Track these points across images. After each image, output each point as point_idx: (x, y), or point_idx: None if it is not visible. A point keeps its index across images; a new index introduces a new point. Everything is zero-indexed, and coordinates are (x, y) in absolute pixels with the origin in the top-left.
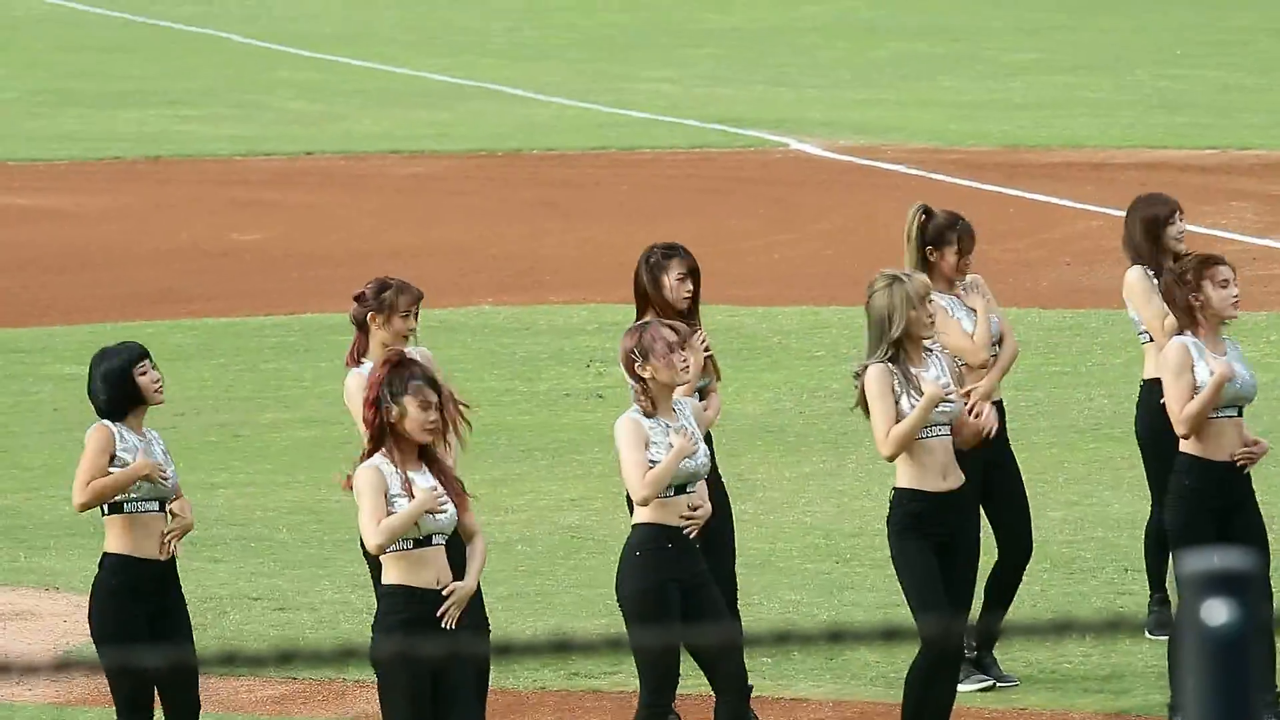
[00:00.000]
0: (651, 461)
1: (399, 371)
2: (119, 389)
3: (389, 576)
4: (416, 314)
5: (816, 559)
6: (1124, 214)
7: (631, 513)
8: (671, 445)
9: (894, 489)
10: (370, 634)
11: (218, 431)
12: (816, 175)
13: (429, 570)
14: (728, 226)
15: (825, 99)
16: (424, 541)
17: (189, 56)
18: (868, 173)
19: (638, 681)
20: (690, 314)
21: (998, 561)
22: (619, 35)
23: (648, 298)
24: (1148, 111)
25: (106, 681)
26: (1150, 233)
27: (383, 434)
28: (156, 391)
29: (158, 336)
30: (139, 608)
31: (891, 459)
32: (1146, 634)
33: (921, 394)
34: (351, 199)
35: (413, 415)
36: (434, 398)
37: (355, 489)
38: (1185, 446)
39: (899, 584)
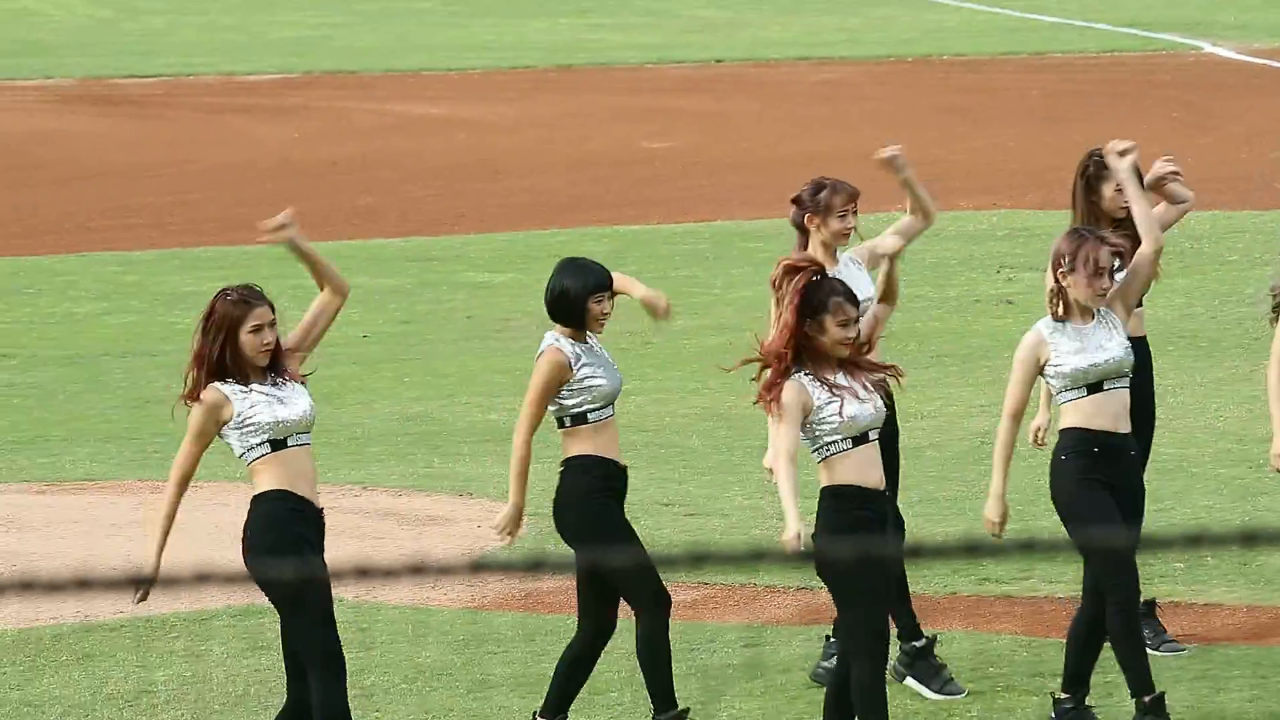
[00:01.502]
0: (1055, 369)
1: (818, 287)
2: (571, 311)
3: (830, 478)
4: (854, 211)
5: (1229, 464)
6: None
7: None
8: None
9: None
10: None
11: (628, 339)
12: (1230, 78)
13: (875, 470)
14: (1140, 131)
15: (1238, 1)
16: (861, 439)
17: None
18: None
19: (1083, 579)
20: (1125, 223)
21: None
22: None
23: (1084, 204)
24: None
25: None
26: None
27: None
28: (600, 322)
29: (570, 244)
30: (615, 504)
31: None
32: None
33: None
34: (761, 106)
35: (831, 333)
36: (854, 313)
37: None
38: None
39: None
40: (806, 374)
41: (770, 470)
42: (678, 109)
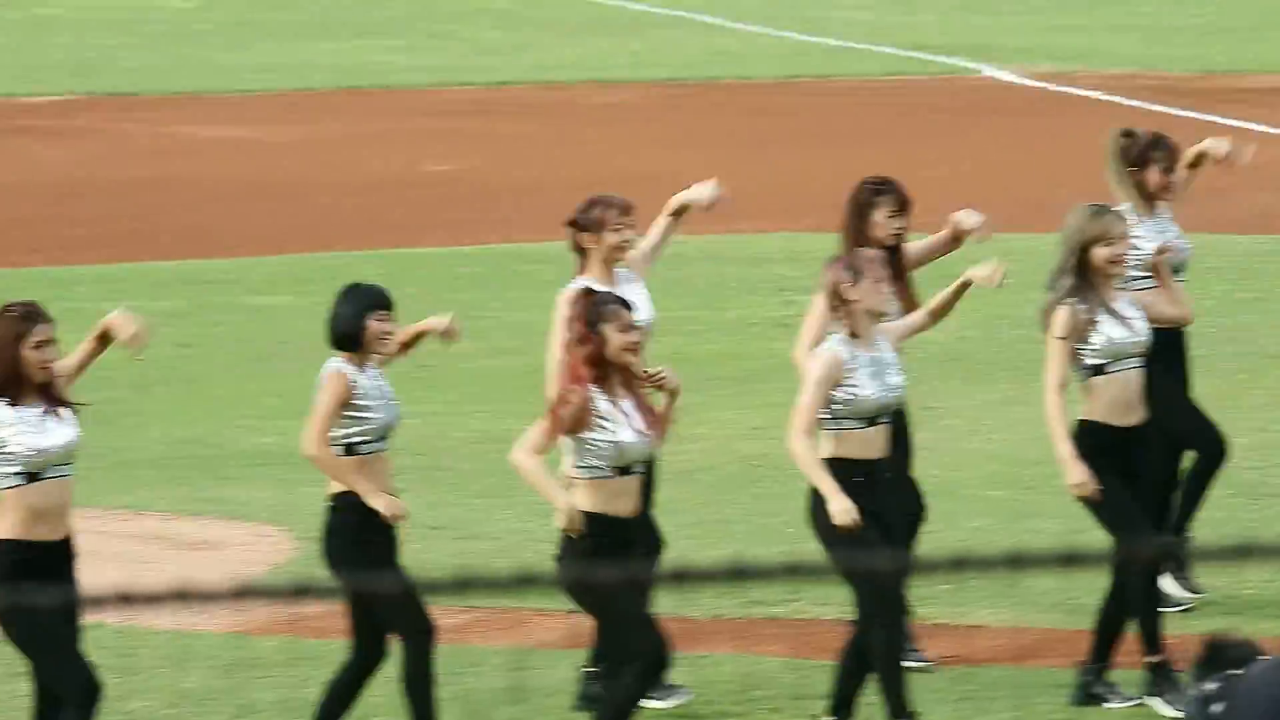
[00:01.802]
0: (849, 393)
1: (588, 302)
2: (349, 330)
3: (585, 503)
4: (630, 225)
5: (999, 486)
6: None
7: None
8: (867, 376)
9: (1079, 420)
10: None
11: (405, 363)
12: (1011, 102)
13: (627, 499)
14: (921, 155)
15: (1021, 25)
16: (625, 470)
17: None
18: (1062, 99)
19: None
20: (894, 251)
21: (1195, 465)
22: None
23: (854, 231)
24: None
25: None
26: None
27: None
28: (382, 341)
29: (349, 267)
30: (379, 540)
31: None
32: None
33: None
34: (545, 129)
35: (614, 340)
36: (631, 318)
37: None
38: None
39: (1092, 512)
40: (599, 392)
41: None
42: (462, 131)
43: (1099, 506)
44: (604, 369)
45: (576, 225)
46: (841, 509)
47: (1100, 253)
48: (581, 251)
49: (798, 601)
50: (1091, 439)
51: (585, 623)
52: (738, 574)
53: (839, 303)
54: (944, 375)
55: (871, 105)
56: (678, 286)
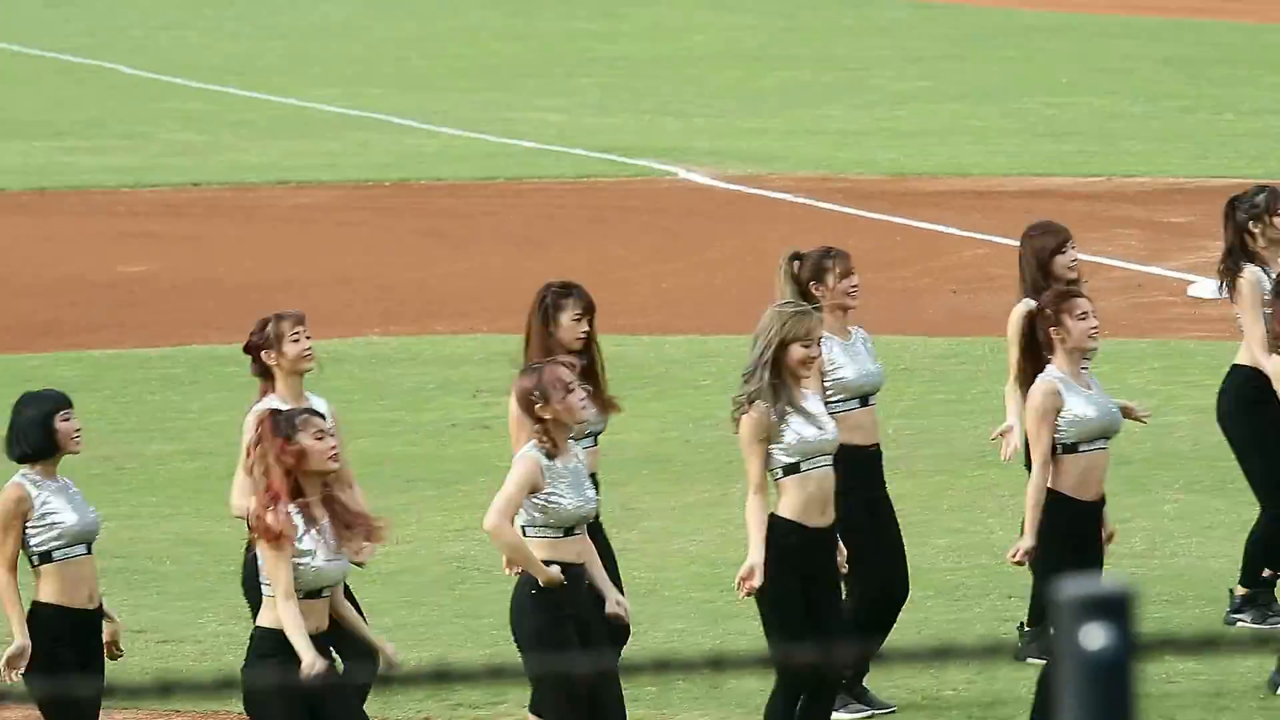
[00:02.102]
0: (551, 502)
1: (277, 420)
2: (39, 436)
3: (266, 619)
4: (307, 335)
5: (700, 588)
6: (1009, 242)
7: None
8: (567, 485)
9: (772, 515)
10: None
11: (102, 464)
12: (704, 204)
13: (314, 619)
14: (615, 255)
15: (712, 128)
16: (315, 594)
17: (74, 87)
18: (755, 201)
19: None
20: (583, 353)
21: (873, 595)
22: (506, 65)
23: (540, 336)
24: (1033, 139)
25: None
26: (1041, 262)
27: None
28: (75, 440)
29: (43, 369)
30: (68, 654)
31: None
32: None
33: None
34: (238, 230)
35: (311, 448)
36: (325, 424)
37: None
38: (1055, 484)
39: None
40: (297, 510)
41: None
42: (155, 232)
43: (768, 610)
44: (302, 482)
45: (253, 347)
46: (549, 577)
47: (796, 352)
48: (265, 372)
49: (504, 704)
50: (781, 538)
51: None
52: (441, 676)
53: (532, 420)
54: (645, 476)
55: (566, 207)
56: (376, 388)
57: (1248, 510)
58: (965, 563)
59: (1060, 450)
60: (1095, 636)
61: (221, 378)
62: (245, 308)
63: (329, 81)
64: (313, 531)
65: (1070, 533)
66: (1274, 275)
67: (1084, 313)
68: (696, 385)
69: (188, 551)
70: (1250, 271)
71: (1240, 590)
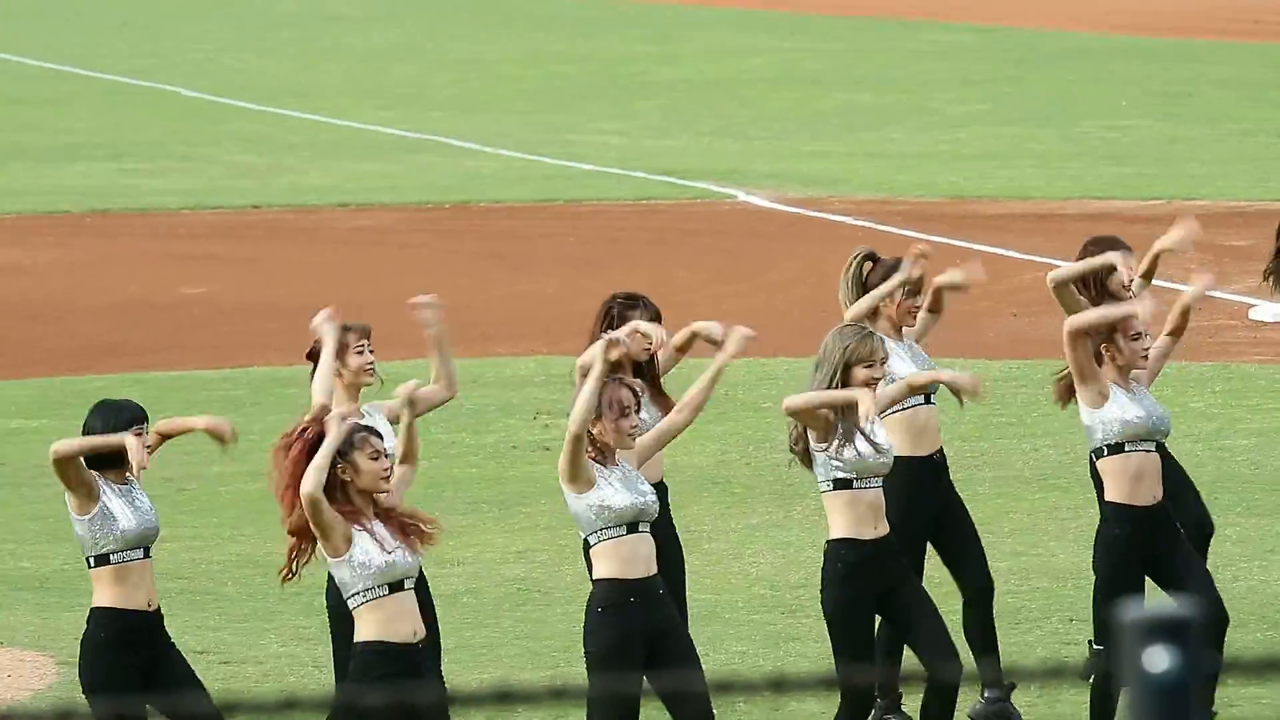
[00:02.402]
0: (605, 503)
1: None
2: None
3: (363, 633)
4: (371, 349)
5: (762, 610)
6: None
7: (589, 566)
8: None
9: (828, 542)
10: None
11: (163, 485)
12: (764, 226)
13: (408, 620)
14: (675, 278)
15: (772, 150)
16: (397, 586)
17: (136, 110)
18: (815, 224)
19: None
20: (649, 365)
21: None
22: (566, 87)
23: None
24: (1094, 163)
25: None
26: (1098, 279)
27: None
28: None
29: (105, 390)
30: (130, 659)
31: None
32: None
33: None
34: (299, 252)
35: (365, 468)
36: (381, 444)
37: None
38: (1109, 495)
39: (830, 635)
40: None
41: None
42: (215, 254)
43: (834, 630)
44: (355, 499)
45: (317, 354)
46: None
47: (860, 374)
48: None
49: None
50: (839, 558)
51: None
52: (504, 697)
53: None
54: (706, 499)
55: (626, 229)
56: (438, 411)
57: None
58: (1026, 586)
59: (1106, 452)
60: (1159, 660)
61: (283, 399)
62: (306, 330)
63: (389, 104)
64: (370, 534)
65: (1131, 544)
66: None
67: (1137, 334)
68: (757, 408)
69: (250, 573)
70: None
71: None
